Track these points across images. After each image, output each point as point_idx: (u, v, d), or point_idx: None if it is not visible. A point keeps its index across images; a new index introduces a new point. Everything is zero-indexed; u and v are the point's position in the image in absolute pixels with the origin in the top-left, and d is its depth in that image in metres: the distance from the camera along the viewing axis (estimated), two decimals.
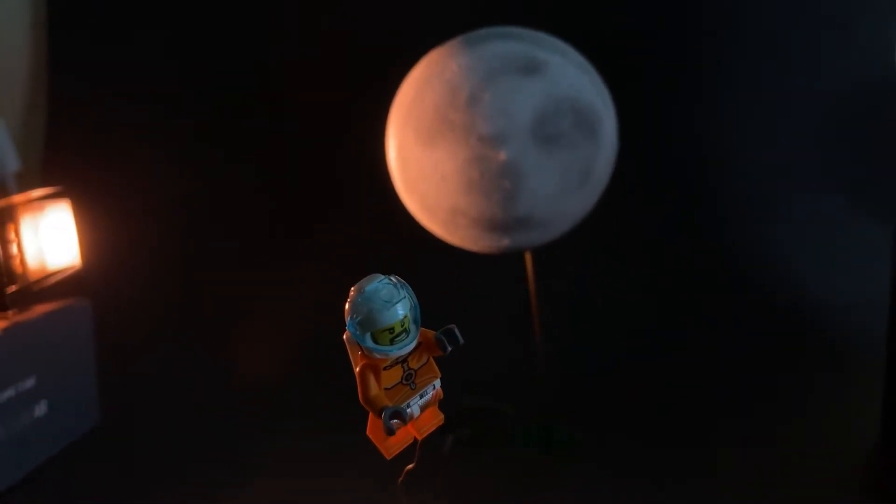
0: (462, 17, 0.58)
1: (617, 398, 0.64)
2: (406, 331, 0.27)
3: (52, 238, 0.57)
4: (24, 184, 0.86)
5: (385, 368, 0.27)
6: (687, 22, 0.78)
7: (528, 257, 0.59)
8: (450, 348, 0.28)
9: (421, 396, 0.28)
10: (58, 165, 0.83)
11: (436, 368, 0.29)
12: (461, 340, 0.28)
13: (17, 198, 0.55)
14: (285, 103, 0.79)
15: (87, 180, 0.79)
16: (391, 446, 0.29)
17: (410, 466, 0.31)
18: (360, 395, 0.28)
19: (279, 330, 0.72)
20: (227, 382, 0.68)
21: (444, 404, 0.31)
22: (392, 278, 0.27)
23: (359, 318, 0.26)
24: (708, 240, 0.77)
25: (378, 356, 0.27)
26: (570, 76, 0.53)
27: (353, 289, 0.27)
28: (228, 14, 0.81)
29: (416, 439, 0.29)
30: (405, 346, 0.27)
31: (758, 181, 0.79)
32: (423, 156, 0.54)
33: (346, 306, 0.27)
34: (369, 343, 0.27)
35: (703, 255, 0.76)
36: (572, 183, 0.54)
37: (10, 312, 0.53)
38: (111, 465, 0.57)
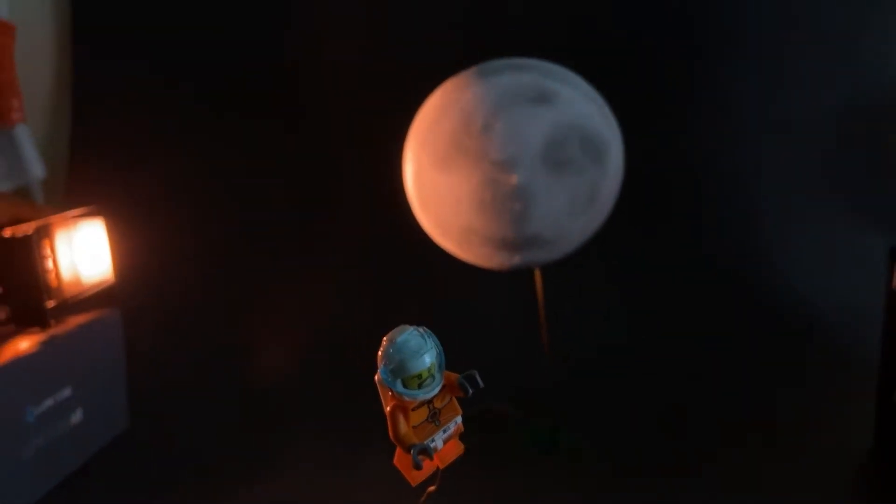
0: (478, 49, 0.60)
1: (618, 403, 0.67)
2: (432, 376, 0.30)
3: (86, 255, 0.60)
4: (49, 191, 0.90)
5: (413, 409, 0.30)
6: (689, 45, 0.80)
7: (537, 274, 0.62)
8: (471, 391, 0.31)
9: (444, 431, 0.31)
10: (82, 173, 0.86)
11: (458, 406, 0.32)
12: (481, 384, 0.31)
13: (54, 217, 0.57)
14: (310, 124, 0.81)
15: (110, 188, 0.82)
16: (417, 476, 0.32)
17: (432, 489, 0.34)
18: (390, 433, 0.31)
19: (298, 338, 0.75)
20: (247, 387, 0.71)
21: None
22: (420, 329, 0.30)
23: (391, 367, 0.29)
24: (709, 253, 0.79)
25: (407, 399, 0.30)
26: (579, 105, 0.55)
27: (385, 339, 0.30)
28: (256, 32, 0.83)
29: (437, 468, 0.33)
30: (432, 390, 0.30)
31: (760, 199, 0.81)
32: (439, 178, 0.57)
33: (379, 354, 0.30)
34: (400, 388, 0.30)
35: (704, 268, 0.79)
36: (579, 205, 0.57)
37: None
38: (140, 467, 0.59)
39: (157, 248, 0.77)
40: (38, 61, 0.91)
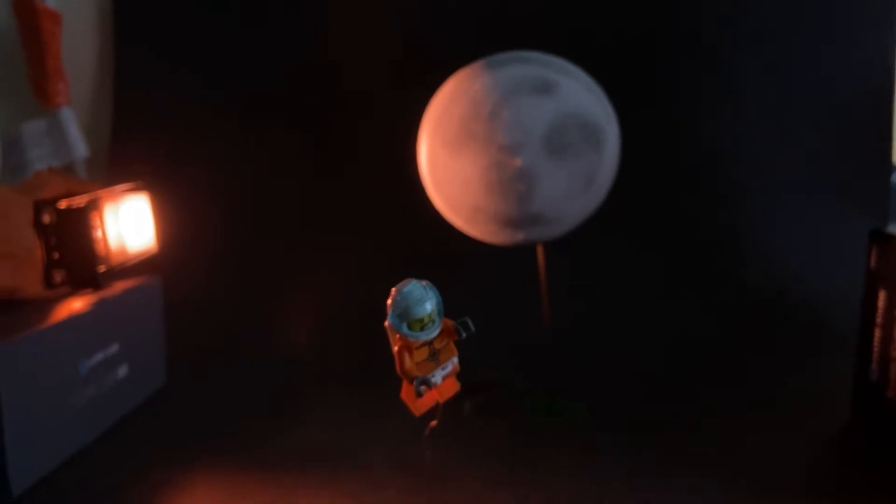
0: (487, 42, 0.65)
1: (615, 373, 0.72)
2: (432, 321, 0.36)
3: (131, 226, 0.66)
4: (92, 169, 0.96)
5: (416, 348, 0.36)
6: (684, 35, 0.85)
7: (539, 249, 0.67)
8: (464, 335, 0.37)
9: (443, 369, 0.37)
10: (122, 153, 0.93)
11: (454, 349, 0.38)
12: (472, 329, 0.37)
13: (102, 191, 0.64)
14: (335, 110, 0.87)
15: (151, 167, 0.88)
16: (420, 407, 0.38)
17: (434, 423, 0.40)
18: (397, 368, 0.36)
19: (321, 307, 0.81)
20: (275, 352, 0.78)
21: (462, 376, 0.40)
22: (423, 282, 0.36)
23: (398, 312, 0.35)
24: (701, 231, 0.84)
25: (411, 339, 0.36)
26: (578, 95, 0.60)
27: (393, 289, 0.36)
28: (287, 25, 0.89)
29: (438, 402, 0.38)
30: (431, 332, 0.36)
31: (751, 181, 0.86)
32: (450, 161, 0.62)
33: (388, 303, 0.36)
34: (405, 330, 0.35)
35: (696, 246, 0.83)
36: (578, 187, 0.62)
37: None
38: (175, 421, 0.65)
39: (194, 222, 0.83)
40: (82, 47, 0.97)
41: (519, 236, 0.63)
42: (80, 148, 0.94)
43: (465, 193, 0.62)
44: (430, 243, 0.77)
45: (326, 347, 0.77)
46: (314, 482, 0.53)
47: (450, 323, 0.37)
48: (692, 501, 0.51)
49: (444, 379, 0.37)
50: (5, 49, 0.95)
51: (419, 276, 0.38)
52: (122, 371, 0.64)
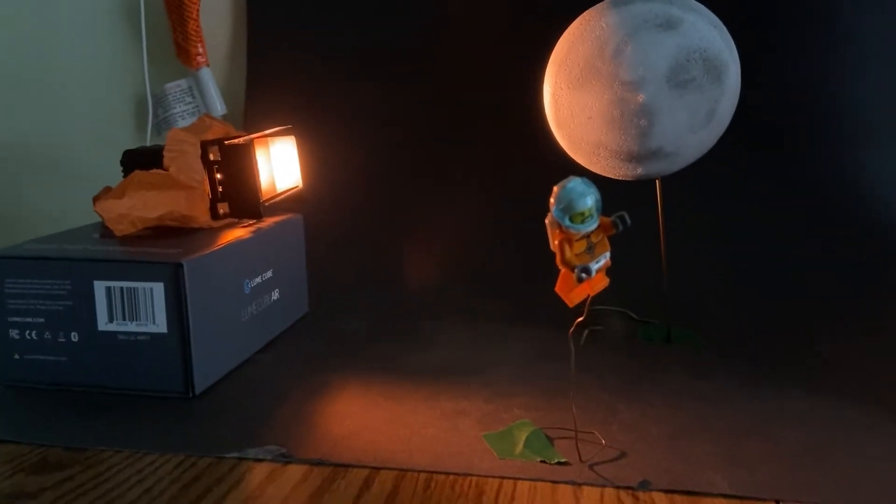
0: None
1: (727, 309, 0.75)
2: (592, 215, 0.40)
3: (281, 166, 0.73)
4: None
5: (576, 241, 0.41)
6: None
7: (658, 184, 0.70)
8: (621, 227, 0.41)
9: (597, 262, 0.41)
10: (255, 110, 1.01)
11: (607, 244, 0.42)
12: (629, 222, 0.41)
13: (256, 134, 0.71)
14: (463, 54, 0.92)
15: (279, 123, 0.96)
16: (574, 297, 0.42)
17: (580, 319, 0.44)
18: (558, 259, 0.41)
19: (444, 238, 0.87)
20: (403, 280, 0.84)
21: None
22: (584, 179, 0.40)
23: (562, 206, 0.40)
24: (818, 175, 0.85)
25: (573, 231, 0.40)
26: (702, 30, 0.63)
27: (556, 186, 0.40)
28: None
29: (588, 295, 0.43)
30: (591, 225, 0.40)
31: (858, 118, 0.85)
32: (573, 98, 0.66)
33: (551, 200, 0.40)
34: (567, 223, 0.40)
35: (810, 188, 0.84)
36: (699, 121, 0.64)
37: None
38: (321, 342, 0.71)
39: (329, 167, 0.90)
40: (218, 11, 1.05)
41: (639, 171, 0.66)
42: (218, 105, 1.02)
43: (588, 130, 0.65)
44: (551, 184, 0.81)
45: (449, 286, 0.83)
46: (451, 390, 0.58)
47: (606, 220, 0.41)
48: (803, 407, 0.54)
49: (597, 272, 0.41)
50: (152, 16, 1.04)
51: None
52: (276, 294, 0.71)
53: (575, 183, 0.40)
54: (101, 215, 0.63)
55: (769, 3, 0.86)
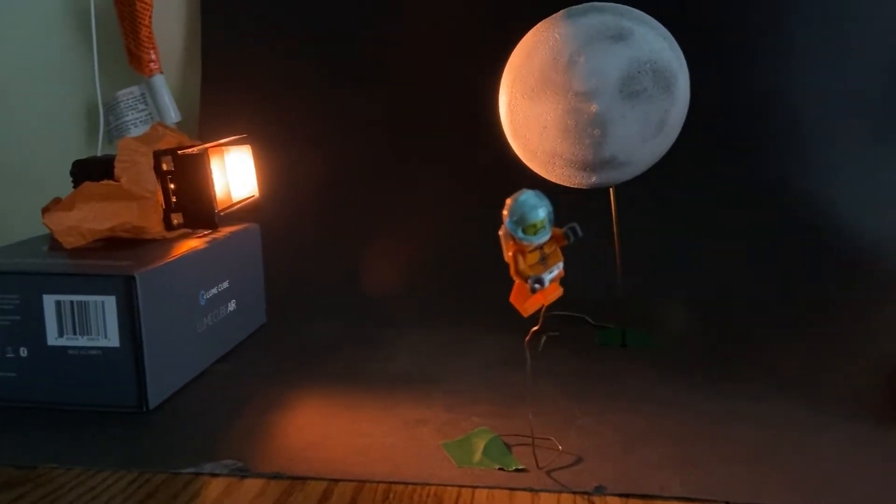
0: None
1: (681, 313, 0.77)
2: (544, 227, 0.41)
3: (237, 174, 0.72)
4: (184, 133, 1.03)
5: (529, 252, 0.41)
6: None
7: (612, 192, 0.71)
8: (572, 238, 0.42)
9: (550, 273, 0.42)
10: (210, 117, 0.99)
11: (560, 254, 0.42)
12: (580, 234, 0.42)
13: (211, 143, 0.70)
14: (421, 60, 0.92)
15: (234, 130, 0.95)
16: (528, 307, 0.43)
17: (535, 328, 0.45)
18: (511, 270, 0.42)
19: (405, 244, 0.87)
20: (365, 292, 0.84)
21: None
22: (536, 192, 0.41)
23: (515, 218, 0.40)
24: (766, 178, 0.87)
25: (525, 243, 0.41)
26: (652, 42, 0.64)
27: (509, 199, 0.41)
28: None
29: (542, 305, 0.43)
30: (543, 236, 0.41)
31: (810, 128, 0.89)
32: (529, 108, 0.67)
33: (504, 212, 0.41)
34: (520, 234, 0.40)
35: (759, 191, 0.87)
36: (650, 131, 0.66)
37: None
38: (279, 352, 0.71)
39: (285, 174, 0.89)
40: (171, 19, 1.04)
41: (593, 180, 0.67)
42: (172, 113, 1.01)
43: (544, 139, 0.66)
44: (508, 192, 0.82)
45: (413, 290, 0.83)
46: (411, 398, 0.59)
47: (558, 231, 0.42)
48: (755, 409, 0.55)
49: (550, 282, 0.42)
50: (104, 22, 1.02)
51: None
52: (232, 305, 0.70)
53: (527, 196, 0.40)
54: (49, 228, 0.61)
55: (717, 14, 0.88)
